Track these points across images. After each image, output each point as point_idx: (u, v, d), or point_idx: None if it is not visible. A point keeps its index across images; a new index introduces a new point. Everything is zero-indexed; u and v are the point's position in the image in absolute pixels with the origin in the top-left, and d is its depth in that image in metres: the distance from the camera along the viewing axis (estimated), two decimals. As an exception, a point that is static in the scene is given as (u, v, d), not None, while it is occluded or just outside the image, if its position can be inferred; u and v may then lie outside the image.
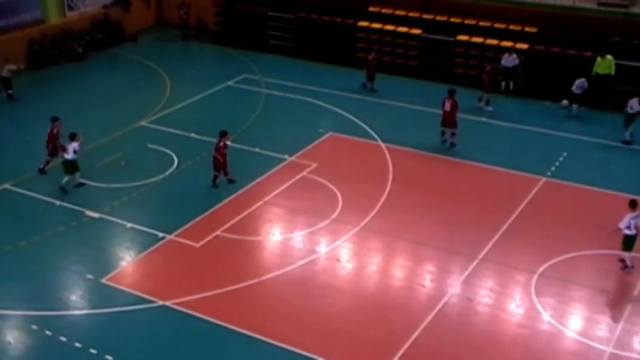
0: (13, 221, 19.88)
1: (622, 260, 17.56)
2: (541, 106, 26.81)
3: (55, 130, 21.96)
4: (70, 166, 21.23)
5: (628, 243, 17.29)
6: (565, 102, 25.98)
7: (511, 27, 28.21)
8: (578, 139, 24.23)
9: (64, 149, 21.29)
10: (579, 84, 25.53)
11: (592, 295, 16.82)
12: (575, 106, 25.83)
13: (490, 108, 26.43)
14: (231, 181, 21.30)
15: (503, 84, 27.31)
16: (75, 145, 21.11)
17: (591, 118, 25.88)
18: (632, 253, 17.40)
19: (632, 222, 17.05)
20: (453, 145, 23.59)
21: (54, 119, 22.24)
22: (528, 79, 27.68)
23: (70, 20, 32.57)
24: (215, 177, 21.22)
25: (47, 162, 22.11)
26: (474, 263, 17.85)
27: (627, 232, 17.13)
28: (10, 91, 27.54)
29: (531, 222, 19.47)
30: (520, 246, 18.49)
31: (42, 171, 22.10)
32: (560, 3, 27.99)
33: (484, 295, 16.86)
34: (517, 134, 24.73)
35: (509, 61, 27.10)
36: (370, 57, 27.95)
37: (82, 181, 21.49)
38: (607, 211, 19.71)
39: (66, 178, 21.22)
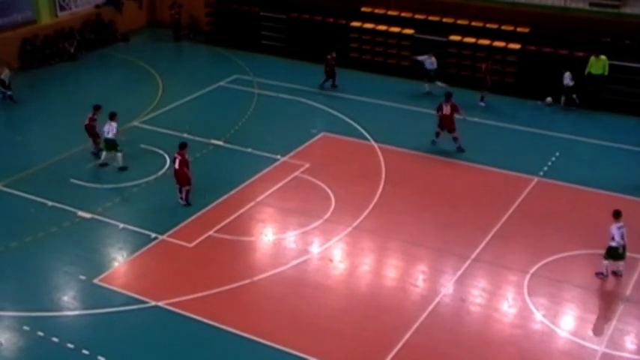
0: (4, 222, 19.82)
1: (613, 272, 17.29)
2: (533, 105, 26.88)
3: (95, 117, 22.92)
4: (111, 144, 22.03)
5: (612, 253, 17.04)
6: (549, 99, 26.21)
7: (503, 27, 28.26)
8: (570, 139, 24.29)
9: (98, 136, 22.74)
10: (568, 76, 25.93)
11: (584, 294, 16.87)
12: (562, 99, 26.26)
13: (482, 104, 26.68)
14: (186, 203, 20.32)
15: (427, 86, 27.86)
16: (114, 124, 21.89)
17: (584, 117, 25.96)
18: (609, 261, 17.19)
19: (617, 232, 16.77)
20: (460, 150, 23.31)
21: (96, 107, 23.16)
22: (520, 78, 27.74)
23: (62, 20, 32.50)
24: (187, 192, 20.34)
25: (99, 150, 22.83)
26: (467, 263, 17.88)
27: (612, 244, 16.89)
28: (9, 93, 27.41)
29: (524, 222, 19.51)
30: (513, 246, 18.53)
31: (102, 165, 22.54)
32: (551, 3, 28.09)
33: (477, 295, 16.88)
34: (509, 134, 24.78)
35: (428, 63, 27.62)
36: (329, 57, 28.01)
37: (106, 162, 22.32)
38: (599, 211, 19.74)
39: (104, 154, 22.37)
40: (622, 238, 16.84)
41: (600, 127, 25.11)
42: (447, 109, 23.23)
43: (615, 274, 17.35)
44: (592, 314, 16.30)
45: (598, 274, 17.32)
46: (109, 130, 22.02)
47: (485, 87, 26.80)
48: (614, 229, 16.84)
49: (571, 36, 27.13)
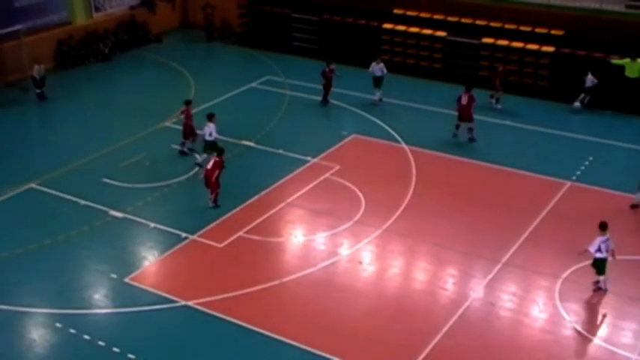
0: (38, 220, 20.08)
1: (596, 282, 16.83)
2: (566, 109, 26.58)
3: (189, 113, 23.21)
4: (211, 145, 21.85)
5: (599, 266, 16.54)
6: (577, 104, 25.92)
7: (537, 30, 27.98)
8: (604, 143, 23.98)
9: (195, 134, 23.03)
10: (590, 79, 25.75)
11: (617, 300, 16.63)
12: (586, 97, 26.24)
13: (499, 106, 26.55)
14: (215, 205, 20.33)
15: (377, 95, 27.12)
16: (212, 125, 21.98)
17: (618, 122, 25.61)
18: (606, 276, 16.70)
19: (603, 245, 16.29)
20: (472, 140, 23.92)
21: (187, 102, 23.53)
22: (554, 82, 27.45)
23: (97, 21, 32.87)
24: (215, 195, 20.28)
25: (183, 144, 23.23)
26: (497, 267, 17.73)
27: (598, 255, 16.38)
28: (39, 90, 27.83)
29: (556, 226, 19.29)
30: (544, 250, 18.33)
31: (198, 165, 22.53)
32: (586, 5, 27.71)
33: (507, 300, 16.74)
34: (542, 137, 24.52)
35: (377, 69, 26.88)
36: (327, 69, 26.67)
37: (201, 163, 22.17)
38: (633, 216, 19.52)
39: (203, 156, 22.23)
40: (607, 250, 16.30)
41: (635, 131, 24.75)
42: (465, 100, 23.67)
43: (595, 283, 16.82)
44: (624, 321, 16.05)
45: (597, 290, 16.77)
46: (209, 131, 21.92)
47: (497, 89, 26.59)
48: (599, 241, 16.26)
49: (606, 39, 26.78)
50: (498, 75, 26.60)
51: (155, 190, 21.36)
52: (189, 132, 23.15)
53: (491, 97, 26.56)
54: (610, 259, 16.47)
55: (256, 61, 31.92)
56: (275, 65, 31.03)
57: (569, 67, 27.08)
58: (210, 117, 22.12)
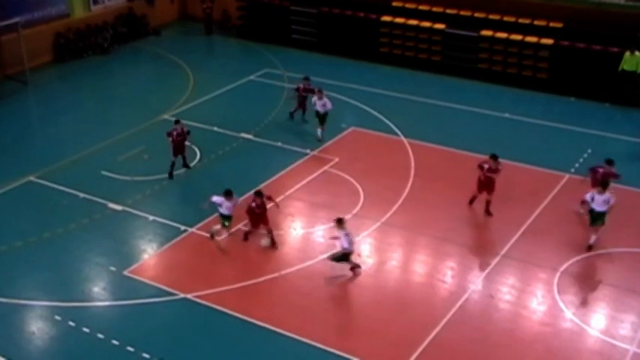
0: (37, 213, 20.08)
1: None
2: (565, 101, 26.57)
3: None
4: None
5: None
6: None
7: (536, 22, 27.95)
8: (602, 136, 23.99)
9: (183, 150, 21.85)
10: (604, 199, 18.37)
11: (615, 293, 16.67)
12: None
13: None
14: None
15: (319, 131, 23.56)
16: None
17: (616, 114, 25.62)
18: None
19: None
20: (489, 213, 19.59)
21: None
22: (553, 74, 27.43)
23: (95, 14, 32.80)
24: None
25: (173, 163, 21.42)
26: (496, 260, 17.75)
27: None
28: None
29: (555, 219, 19.31)
30: (543, 243, 18.35)
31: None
32: (586, -2, 27.72)
33: (506, 292, 16.76)
34: (541, 130, 24.52)
35: (319, 105, 23.23)
36: (300, 86, 24.65)
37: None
38: (632, 209, 19.53)
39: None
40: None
41: (633, 123, 24.76)
42: (490, 168, 19.05)
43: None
44: (623, 313, 16.08)
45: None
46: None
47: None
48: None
49: (606, 31, 26.74)
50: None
51: (154, 182, 21.35)
52: (178, 149, 21.41)
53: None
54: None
55: (255, 53, 31.88)
56: (274, 58, 30.99)
57: (568, 60, 27.08)
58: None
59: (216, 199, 18.19)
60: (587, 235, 18.03)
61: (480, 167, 19.19)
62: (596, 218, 17.74)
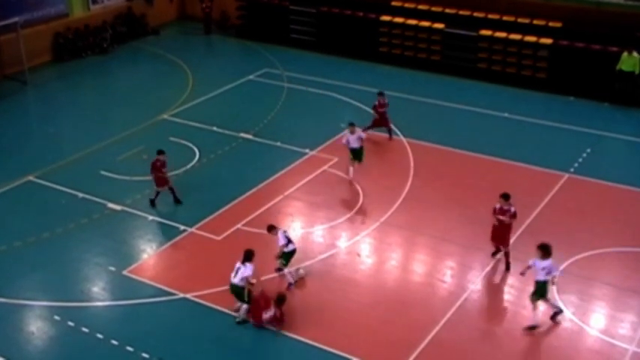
0: (36, 213, 20.07)
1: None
2: (565, 101, 26.58)
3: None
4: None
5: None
6: None
7: (535, 22, 27.96)
8: (602, 135, 23.99)
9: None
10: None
11: (615, 292, 16.67)
12: None
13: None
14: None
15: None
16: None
17: (616, 114, 25.62)
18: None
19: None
20: (508, 267, 17.52)
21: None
22: (552, 74, 27.43)
23: (94, 14, 32.78)
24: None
25: (157, 193, 20.11)
26: (496, 259, 17.74)
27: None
28: None
29: (554, 218, 19.32)
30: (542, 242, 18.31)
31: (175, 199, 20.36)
32: (585, -3, 27.72)
33: (505, 292, 16.75)
34: (540, 130, 24.51)
35: (353, 140, 21.03)
36: (376, 103, 23.43)
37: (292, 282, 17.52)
38: (631, 208, 19.53)
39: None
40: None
41: (632, 123, 24.77)
42: (506, 214, 17.02)
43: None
44: (622, 313, 16.08)
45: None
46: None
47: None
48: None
49: (605, 31, 26.74)
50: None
51: (153, 182, 21.31)
52: (161, 181, 20.08)
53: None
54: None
55: (254, 53, 31.87)
56: (273, 57, 30.98)
57: (567, 60, 27.08)
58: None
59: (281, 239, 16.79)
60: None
61: (493, 210, 17.04)
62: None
